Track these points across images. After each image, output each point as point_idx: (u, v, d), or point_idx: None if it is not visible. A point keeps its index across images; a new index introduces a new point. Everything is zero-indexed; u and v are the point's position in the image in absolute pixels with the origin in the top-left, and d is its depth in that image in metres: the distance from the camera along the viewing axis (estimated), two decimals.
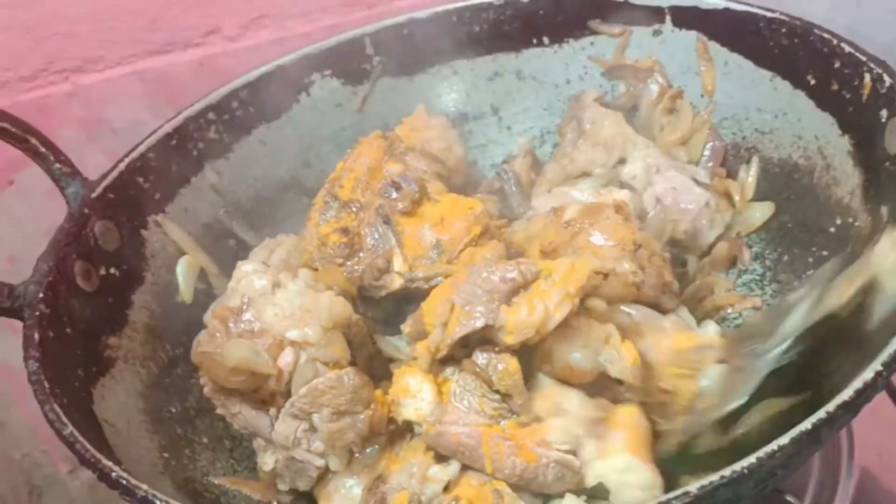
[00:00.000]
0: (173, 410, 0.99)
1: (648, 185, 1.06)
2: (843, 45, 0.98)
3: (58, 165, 1.04)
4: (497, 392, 0.84)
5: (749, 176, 1.11)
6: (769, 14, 1.06)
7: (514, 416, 0.84)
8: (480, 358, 0.84)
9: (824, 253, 1.00)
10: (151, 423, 0.96)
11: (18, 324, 1.05)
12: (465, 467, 0.85)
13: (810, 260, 1.02)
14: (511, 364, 0.83)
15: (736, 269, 1.09)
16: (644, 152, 1.08)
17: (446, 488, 0.84)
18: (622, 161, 1.08)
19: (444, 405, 0.85)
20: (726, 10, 1.09)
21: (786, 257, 1.06)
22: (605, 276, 0.90)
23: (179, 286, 1.08)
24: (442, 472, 0.85)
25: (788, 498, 0.97)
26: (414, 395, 0.86)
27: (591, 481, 0.82)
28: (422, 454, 0.87)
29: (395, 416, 0.87)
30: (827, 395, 0.69)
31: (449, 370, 0.87)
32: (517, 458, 0.82)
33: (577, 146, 1.10)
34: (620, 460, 0.81)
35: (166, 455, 0.93)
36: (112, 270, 1.03)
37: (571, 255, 0.92)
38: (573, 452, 0.82)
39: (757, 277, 1.08)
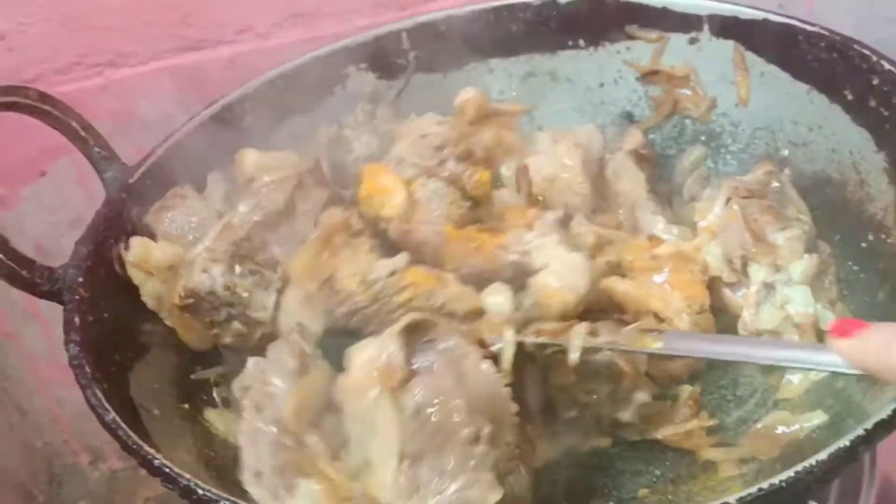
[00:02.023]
0: (205, 398, 1.00)
1: None
2: (882, 62, 0.99)
3: (97, 149, 1.06)
4: (467, 200, 0.98)
5: None
6: (809, 27, 1.06)
7: (479, 223, 0.97)
8: (457, 166, 1.00)
9: (855, 268, 1.01)
10: (185, 410, 0.97)
11: (42, 312, 1.07)
12: (413, 262, 0.93)
13: (840, 275, 1.02)
14: (484, 175, 1.01)
15: None
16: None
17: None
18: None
19: (415, 205, 0.97)
20: (765, 21, 1.10)
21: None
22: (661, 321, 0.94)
23: None
24: (390, 263, 0.92)
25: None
26: (388, 193, 0.96)
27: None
28: (365, 254, 0.94)
29: (368, 211, 0.97)
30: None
31: (421, 178, 0.99)
32: (477, 259, 0.93)
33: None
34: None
35: (199, 444, 0.94)
36: None
37: (640, 286, 0.95)
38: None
39: None
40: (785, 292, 0.95)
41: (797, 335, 0.94)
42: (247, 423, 0.80)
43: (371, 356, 0.78)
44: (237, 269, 0.94)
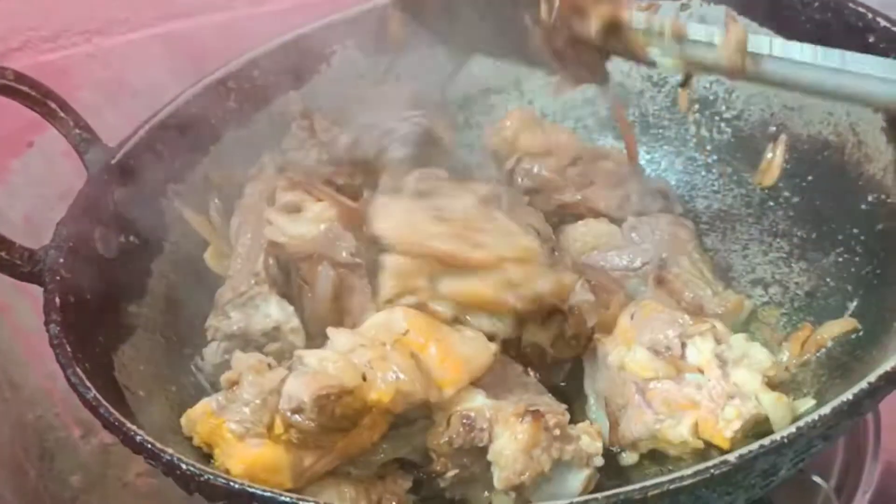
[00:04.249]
0: (193, 380, 0.98)
1: None
2: (878, 19, 0.97)
3: (77, 131, 1.04)
4: None
5: (775, 155, 1.10)
6: None
7: None
8: None
9: (855, 230, 0.99)
10: (170, 392, 0.95)
11: (32, 287, 1.04)
12: None
13: (840, 237, 1.00)
14: None
15: (763, 245, 1.08)
16: None
17: None
18: None
19: None
20: None
21: (814, 235, 1.04)
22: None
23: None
24: None
25: (814, 478, 0.96)
26: None
27: None
28: None
29: None
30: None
31: None
32: None
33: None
34: None
35: None
36: (131, 238, 1.02)
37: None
38: None
39: (784, 255, 1.06)
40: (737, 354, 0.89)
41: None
42: None
43: None
44: None
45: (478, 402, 0.83)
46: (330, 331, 0.85)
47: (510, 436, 0.79)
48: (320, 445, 0.79)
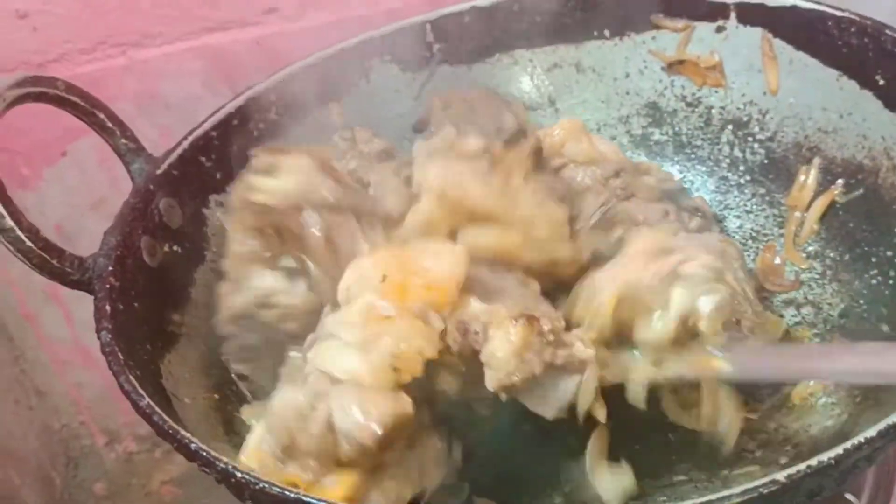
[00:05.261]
0: (234, 389, 1.00)
1: None
2: None
3: (124, 141, 1.05)
4: None
5: (809, 178, 1.11)
6: (838, 13, 1.05)
7: None
8: None
9: (889, 254, 1.00)
10: (214, 401, 0.96)
11: (61, 296, 1.07)
12: None
13: (874, 260, 1.01)
14: None
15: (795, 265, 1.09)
16: None
17: None
18: None
19: None
20: (794, 7, 1.09)
21: (847, 257, 1.05)
22: None
23: None
24: None
25: (847, 496, 0.97)
26: None
27: None
28: None
29: None
30: None
31: None
32: None
33: None
34: None
35: (230, 434, 0.94)
36: (175, 247, 1.03)
37: None
38: None
39: (817, 276, 1.08)
40: None
41: None
42: None
43: None
44: None
45: (472, 307, 0.84)
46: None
47: (503, 337, 0.80)
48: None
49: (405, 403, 0.79)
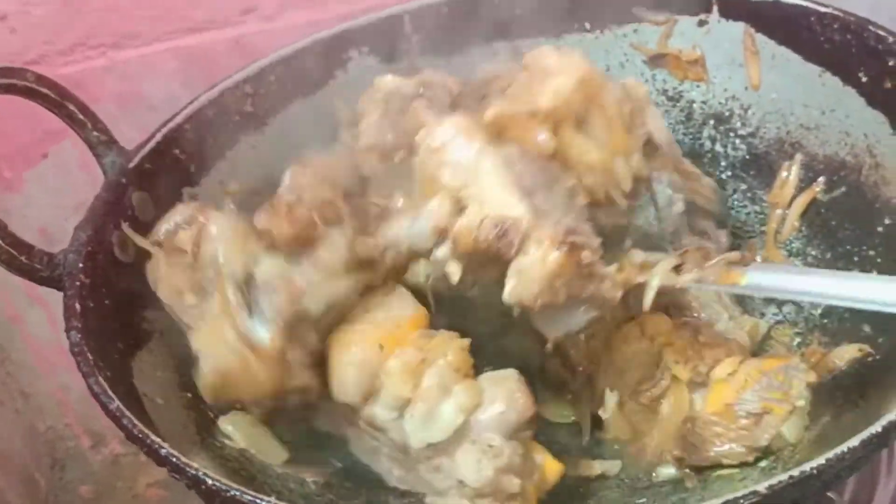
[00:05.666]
0: None
1: None
2: None
3: (95, 133, 1.03)
4: None
5: (790, 174, 1.10)
6: (822, 9, 1.04)
7: None
8: None
9: (871, 253, 0.99)
10: (187, 399, 0.94)
11: (45, 297, 1.05)
12: None
13: (855, 259, 1.01)
14: None
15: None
16: None
17: None
18: None
19: None
20: (776, 2, 1.08)
21: (829, 255, 1.05)
22: None
23: None
24: None
25: (829, 494, 0.97)
26: None
27: None
28: None
29: None
30: None
31: None
32: None
33: None
34: None
35: (203, 434, 0.92)
36: None
37: None
38: None
39: None
40: None
41: None
42: None
43: None
44: None
45: (516, 210, 0.79)
46: None
47: (540, 258, 0.76)
48: None
49: None
